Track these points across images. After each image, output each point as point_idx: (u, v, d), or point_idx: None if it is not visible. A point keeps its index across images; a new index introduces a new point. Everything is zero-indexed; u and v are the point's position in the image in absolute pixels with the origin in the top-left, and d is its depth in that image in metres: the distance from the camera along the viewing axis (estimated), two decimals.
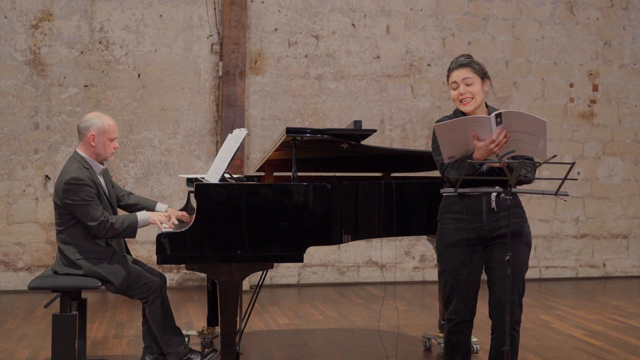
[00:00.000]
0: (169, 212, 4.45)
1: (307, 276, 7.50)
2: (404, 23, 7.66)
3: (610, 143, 8.17)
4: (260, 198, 3.86)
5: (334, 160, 5.04)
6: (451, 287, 3.64)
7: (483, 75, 3.61)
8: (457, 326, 3.67)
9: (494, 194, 3.52)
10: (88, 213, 4.07)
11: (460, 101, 3.59)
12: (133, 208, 4.53)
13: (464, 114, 3.61)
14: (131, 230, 4.15)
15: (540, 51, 7.96)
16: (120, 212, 4.49)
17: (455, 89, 3.60)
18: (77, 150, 4.28)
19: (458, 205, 3.59)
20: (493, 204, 3.54)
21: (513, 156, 3.43)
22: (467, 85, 3.57)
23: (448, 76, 3.66)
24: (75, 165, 4.19)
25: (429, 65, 7.70)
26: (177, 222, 4.38)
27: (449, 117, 3.66)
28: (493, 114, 3.28)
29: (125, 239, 4.46)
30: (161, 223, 4.13)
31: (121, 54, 7.09)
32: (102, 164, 4.31)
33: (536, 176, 3.75)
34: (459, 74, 3.59)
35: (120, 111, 7.08)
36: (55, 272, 4.19)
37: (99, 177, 4.26)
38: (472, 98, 3.57)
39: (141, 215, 4.20)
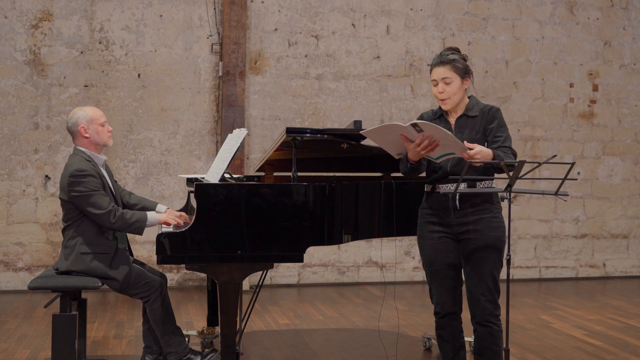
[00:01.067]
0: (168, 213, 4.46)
1: (307, 276, 7.50)
2: (404, 23, 7.66)
3: (610, 143, 8.17)
4: (260, 198, 3.86)
5: (334, 160, 5.04)
6: (430, 279, 3.75)
7: (464, 73, 3.65)
8: (443, 319, 3.76)
9: (458, 192, 3.55)
10: (95, 203, 4.06)
11: (440, 99, 3.66)
12: (134, 208, 4.53)
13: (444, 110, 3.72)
14: (139, 225, 4.12)
15: (540, 51, 7.96)
16: None
17: (435, 86, 3.67)
18: (76, 146, 4.28)
19: (430, 201, 3.69)
20: (457, 202, 3.59)
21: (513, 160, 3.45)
22: (446, 84, 3.62)
23: (430, 71, 3.73)
24: (77, 158, 4.20)
25: (429, 65, 7.66)
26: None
27: (434, 112, 3.76)
28: (409, 123, 3.33)
29: (128, 239, 4.47)
30: (171, 224, 4.15)
31: (121, 54, 7.09)
32: (102, 155, 4.31)
33: (536, 176, 3.77)
34: (438, 73, 3.64)
35: (120, 111, 7.08)
36: (57, 269, 4.20)
37: (101, 169, 4.27)
38: (449, 98, 3.63)
39: (151, 214, 4.20)
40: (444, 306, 3.72)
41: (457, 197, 3.57)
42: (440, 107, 3.73)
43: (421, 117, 3.74)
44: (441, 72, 3.63)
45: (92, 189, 4.08)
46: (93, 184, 4.10)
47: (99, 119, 4.26)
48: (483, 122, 3.62)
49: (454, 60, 3.64)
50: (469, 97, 3.72)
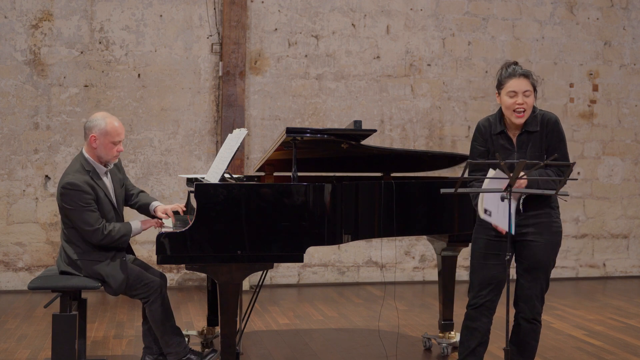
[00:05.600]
0: (159, 208, 4.39)
1: (307, 276, 7.50)
2: (404, 23, 7.66)
3: (610, 143, 8.17)
4: (260, 198, 3.86)
5: (334, 160, 5.04)
6: (474, 271, 3.79)
7: (535, 87, 3.68)
8: (476, 311, 3.78)
9: (523, 195, 3.62)
10: (82, 219, 4.06)
11: (514, 111, 3.61)
12: (134, 206, 4.50)
13: (503, 123, 3.71)
14: (125, 239, 4.18)
15: (540, 51, 7.96)
16: (133, 211, 4.57)
17: (512, 97, 3.62)
18: (83, 150, 4.27)
19: None
20: (520, 205, 3.66)
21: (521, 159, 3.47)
22: (526, 97, 3.61)
23: (503, 83, 3.67)
24: (76, 167, 4.17)
25: (429, 65, 7.70)
26: (170, 216, 4.33)
27: (490, 121, 3.76)
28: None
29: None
30: (156, 227, 4.17)
31: (121, 54, 7.09)
32: (107, 165, 4.27)
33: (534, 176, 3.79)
34: (520, 84, 3.61)
35: (120, 111, 7.08)
36: (58, 268, 4.21)
37: (102, 178, 4.24)
38: (526, 111, 3.62)
39: (134, 224, 4.21)
40: (480, 299, 3.77)
41: (522, 201, 3.64)
42: (500, 121, 3.72)
43: (478, 129, 3.76)
44: (524, 84, 3.61)
45: (80, 205, 4.07)
46: (82, 200, 4.07)
47: (113, 137, 4.20)
48: (543, 136, 3.65)
49: (531, 74, 3.67)
50: None
